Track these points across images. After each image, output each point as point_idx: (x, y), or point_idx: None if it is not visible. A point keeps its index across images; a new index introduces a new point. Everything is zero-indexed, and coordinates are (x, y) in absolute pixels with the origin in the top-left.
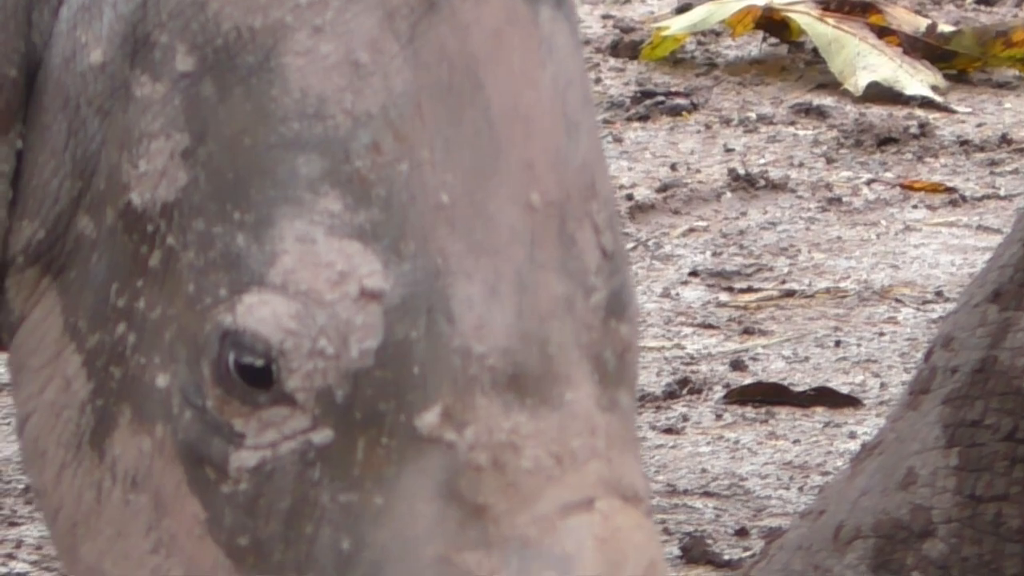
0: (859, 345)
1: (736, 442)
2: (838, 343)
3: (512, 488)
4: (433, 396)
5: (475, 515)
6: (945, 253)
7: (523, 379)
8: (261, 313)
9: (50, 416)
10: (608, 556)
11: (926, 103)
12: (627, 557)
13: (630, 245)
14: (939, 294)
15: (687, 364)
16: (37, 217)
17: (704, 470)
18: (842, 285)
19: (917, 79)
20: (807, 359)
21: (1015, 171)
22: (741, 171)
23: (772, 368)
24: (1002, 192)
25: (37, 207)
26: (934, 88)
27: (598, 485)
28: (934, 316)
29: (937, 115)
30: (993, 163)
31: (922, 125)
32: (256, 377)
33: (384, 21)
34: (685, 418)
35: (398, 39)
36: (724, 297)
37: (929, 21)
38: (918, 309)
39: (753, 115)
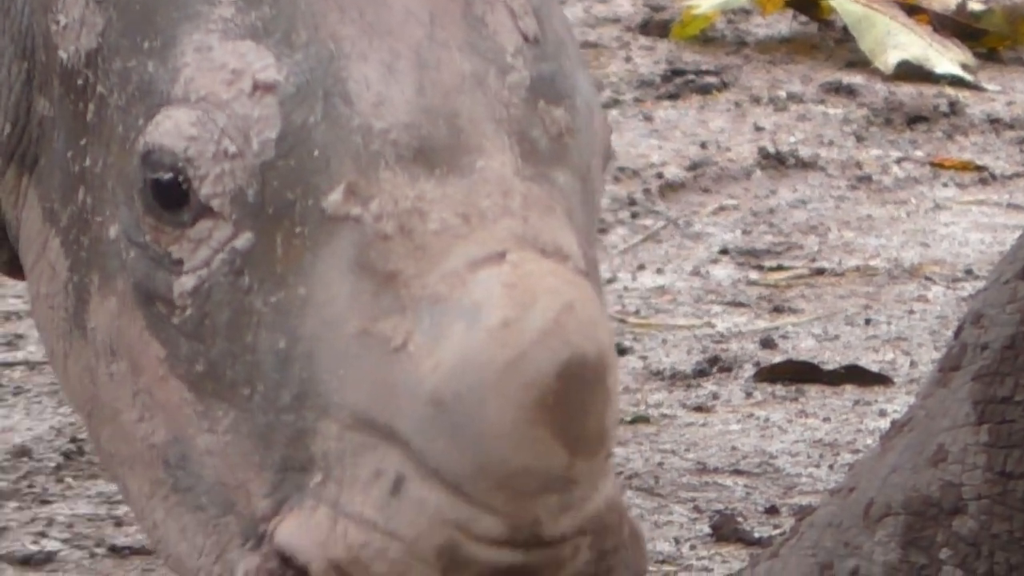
0: (889, 323)
1: (766, 420)
2: (868, 321)
3: (420, 251)
4: (337, 176)
5: (387, 283)
6: (975, 231)
7: (430, 151)
8: (165, 127)
9: (46, 310)
10: (517, 299)
11: (956, 81)
12: (536, 299)
13: (660, 223)
14: (969, 272)
15: (717, 342)
16: (0, 112)
17: (734, 448)
18: (872, 263)
19: (947, 57)
20: (837, 337)
21: None
22: (771, 149)
23: (802, 346)
24: None
25: None
26: (964, 67)
27: (509, 239)
28: (964, 294)
29: (967, 93)
30: (1023, 141)
31: (952, 103)
32: (171, 195)
33: None
34: (715, 396)
35: None
36: (754, 275)
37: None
38: (948, 287)
39: (783, 93)
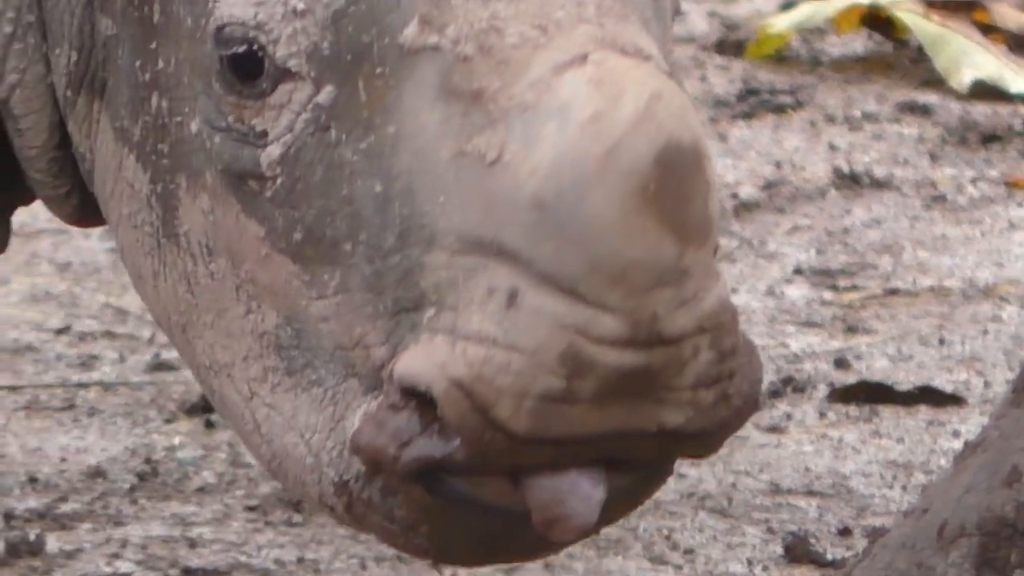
0: (963, 343)
1: (840, 441)
2: (942, 341)
3: (502, 65)
4: (409, 10)
5: (474, 101)
6: None
7: None
8: (232, 1)
9: (130, 230)
10: (604, 93)
11: None
12: (624, 90)
13: (734, 243)
14: None
15: (791, 363)
16: (64, 40)
17: (807, 469)
18: (946, 283)
19: (1022, 77)
20: (911, 357)
21: None
22: (845, 169)
23: (876, 366)
24: None
25: (62, 30)
26: None
27: (589, 43)
28: None
29: None
30: None
31: None
32: (247, 66)
33: None
34: (789, 417)
35: None
36: (828, 295)
37: None
38: (1022, 307)
39: (858, 113)
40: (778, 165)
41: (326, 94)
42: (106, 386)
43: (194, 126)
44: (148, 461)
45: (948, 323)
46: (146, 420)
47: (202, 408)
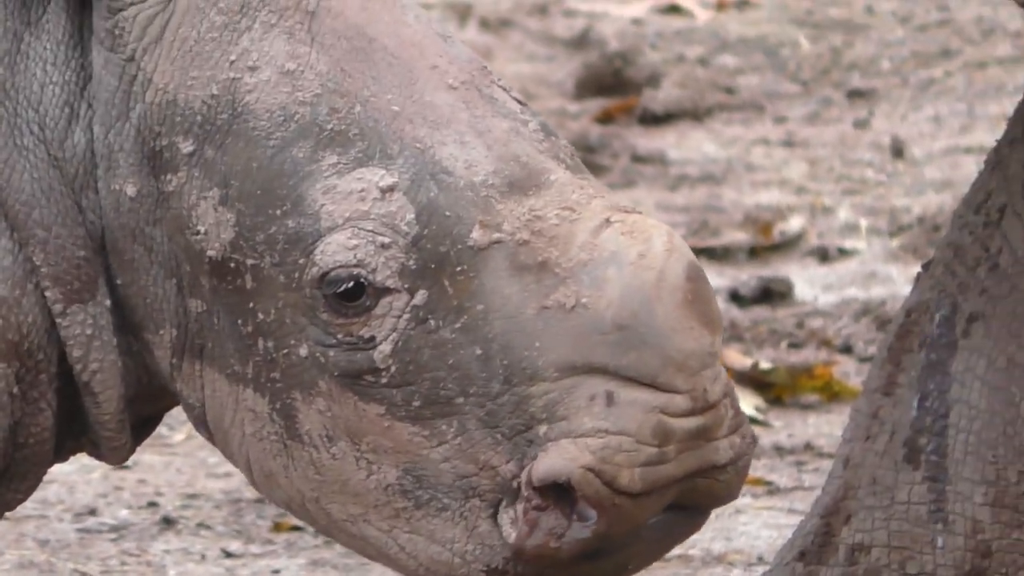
0: None
1: None
2: None
3: (554, 240)
4: (469, 221)
5: (543, 270)
6: (765, 528)
7: (517, 182)
8: (331, 250)
9: (256, 444)
10: (638, 238)
11: (751, 420)
12: (650, 234)
13: None
14: (760, 558)
15: None
16: (165, 323)
17: None
18: (689, 552)
19: (744, 402)
20: None
21: (816, 469)
22: None
23: None
24: (806, 484)
25: (161, 316)
26: (757, 409)
27: (605, 211)
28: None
29: (759, 429)
30: (800, 463)
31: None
32: (354, 293)
33: (289, 38)
34: None
35: (304, 42)
36: None
37: (752, 360)
38: (745, 570)
39: None
40: None
41: (420, 296)
42: None
43: (303, 351)
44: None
45: None
46: None
47: None
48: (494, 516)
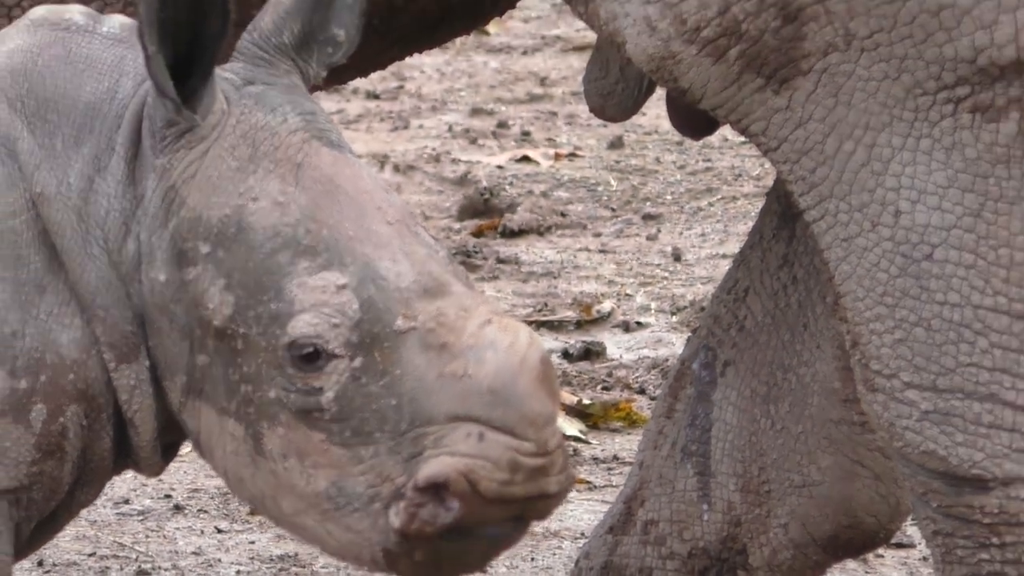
0: None
1: None
2: None
3: (453, 329)
4: (395, 312)
5: (443, 349)
6: None
7: (430, 289)
8: (298, 325)
9: (233, 458)
10: (509, 332)
11: (575, 439)
12: (518, 331)
13: None
14: None
15: None
16: (179, 372)
17: None
18: None
19: (570, 427)
20: None
21: (621, 473)
22: None
23: None
24: (614, 483)
25: (176, 367)
26: (580, 431)
27: (488, 313)
28: None
29: (581, 445)
30: (610, 469)
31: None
32: (310, 356)
33: (281, 181)
34: None
35: (292, 184)
36: None
37: (577, 398)
38: None
39: None
40: None
41: (357, 362)
42: None
43: (272, 393)
44: None
45: None
46: None
47: None
48: (386, 512)
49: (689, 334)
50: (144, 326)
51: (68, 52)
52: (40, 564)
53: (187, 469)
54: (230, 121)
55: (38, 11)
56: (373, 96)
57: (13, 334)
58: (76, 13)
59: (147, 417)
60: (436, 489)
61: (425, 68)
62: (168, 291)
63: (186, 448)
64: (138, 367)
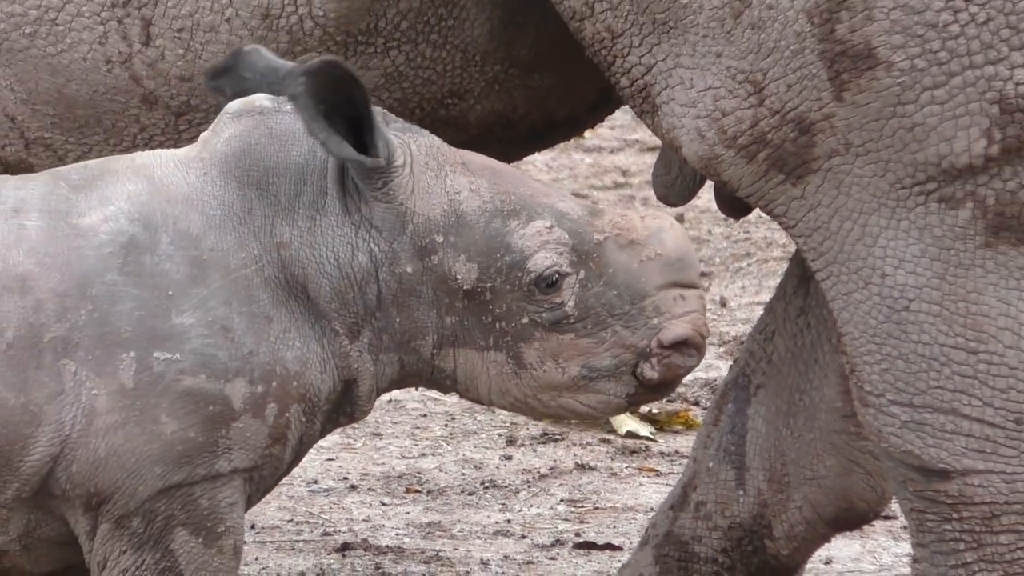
0: None
1: None
2: None
3: (631, 229)
4: (588, 231)
5: (632, 243)
6: None
7: (593, 211)
8: (538, 263)
9: (499, 377)
10: (663, 218)
11: (645, 439)
12: (664, 216)
13: None
14: None
15: None
16: (428, 333)
17: None
18: None
19: (642, 429)
20: None
21: (681, 464)
22: None
23: None
24: (676, 471)
25: (425, 330)
26: (650, 432)
27: (637, 212)
28: None
29: (650, 443)
30: (672, 460)
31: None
32: (554, 281)
33: (463, 175)
34: None
35: (470, 175)
36: None
37: (648, 408)
38: None
39: None
40: None
41: (582, 274)
42: None
43: (525, 319)
44: None
45: None
46: None
47: None
48: (632, 372)
49: (731, 362)
50: (374, 314)
51: (270, 130)
52: (252, 527)
53: (359, 458)
54: (410, 147)
55: (233, 105)
56: None
57: (250, 352)
58: (263, 99)
59: (366, 376)
60: (677, 344)
61: (536, 162)
62: (415, 277)
63: (358, 441)
64: (359, 344)
